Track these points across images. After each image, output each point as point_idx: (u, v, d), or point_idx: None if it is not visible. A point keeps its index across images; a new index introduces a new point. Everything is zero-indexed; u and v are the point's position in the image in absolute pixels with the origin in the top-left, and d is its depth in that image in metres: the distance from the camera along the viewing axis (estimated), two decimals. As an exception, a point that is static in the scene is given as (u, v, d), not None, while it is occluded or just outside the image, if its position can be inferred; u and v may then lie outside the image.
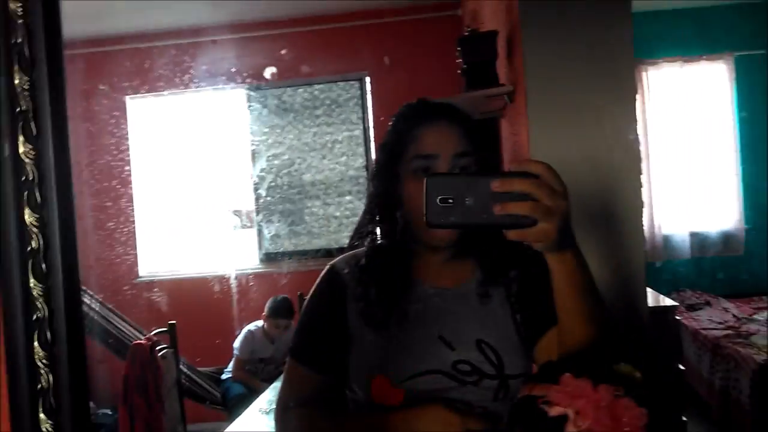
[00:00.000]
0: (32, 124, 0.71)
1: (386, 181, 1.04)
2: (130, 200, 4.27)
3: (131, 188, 4.29)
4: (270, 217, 4.38)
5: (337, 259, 1.12)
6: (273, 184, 4.37)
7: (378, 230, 1.07)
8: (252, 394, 3.20)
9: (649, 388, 0.74)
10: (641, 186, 1.64)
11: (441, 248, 1.03)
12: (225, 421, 3.34)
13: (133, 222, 4.26)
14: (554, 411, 0.68)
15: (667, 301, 2.67)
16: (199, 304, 4.08)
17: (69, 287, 0.74)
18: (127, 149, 4.30)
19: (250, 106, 4.33)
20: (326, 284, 1.09)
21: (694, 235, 4.39)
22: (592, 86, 1.62)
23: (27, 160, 0.71)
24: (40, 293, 0.72)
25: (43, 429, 0.71)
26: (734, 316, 3.84)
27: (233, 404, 3.38)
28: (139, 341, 2.78)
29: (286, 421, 1.08)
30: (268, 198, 4.37)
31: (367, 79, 4.23)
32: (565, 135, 1.63)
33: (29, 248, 0.71)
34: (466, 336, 1.01)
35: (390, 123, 1.08)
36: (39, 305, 0.72)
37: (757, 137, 4.31)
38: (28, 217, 0.72)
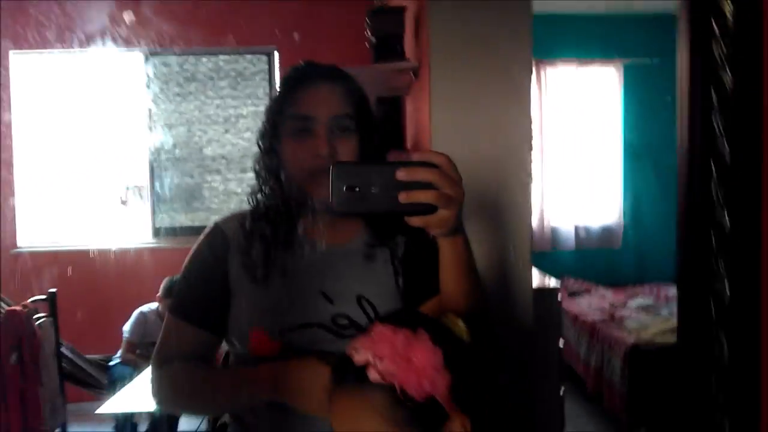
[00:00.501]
0: None
1: (268, 142, 1.06)
2: (9, 167, 3.95)
3: (11, 153, 3.97)
4: (165, 190, 4.20)
5: (223, 217, 1.12)
6: (170, 156, 4.19)
7: (266, 190, 1.07)
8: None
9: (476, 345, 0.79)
10: (531, 174, 1.72)
11: (325, 207, 1.02)
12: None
13: (12, 190, 3.95)
14: (358, 357, 0.71)
15: (552, 283, 2.83)
16: (85, 282, 3.85)
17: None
18: (9, 110, 3.97)
19: (148, 72, 4.12)
20: (208, 240, 1.09)
21: (578, 228, 4.69)
22: (491, 71, 1.68)
23: None
24: None
25: None
26: (610, 303, 4.14)
27: (117, 387, 3.23)
28: (13, 308, 2.58)
29: (162, 374, 1.07)
30: (164, 171, 4.19)
31: (276, 54, 4.15)
32: (464, 117, 1.68)
33: None
34: (347, 292, 1.03)
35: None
36: None
37: (639, 140, 4.66)
38: None
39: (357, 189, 0.78)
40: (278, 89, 1.09)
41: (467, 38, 1.67)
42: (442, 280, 0.92)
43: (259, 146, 1.09)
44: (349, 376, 0.72)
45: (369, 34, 1.96)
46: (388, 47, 1.89)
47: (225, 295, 1.05)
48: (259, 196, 1.08)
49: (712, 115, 1.18)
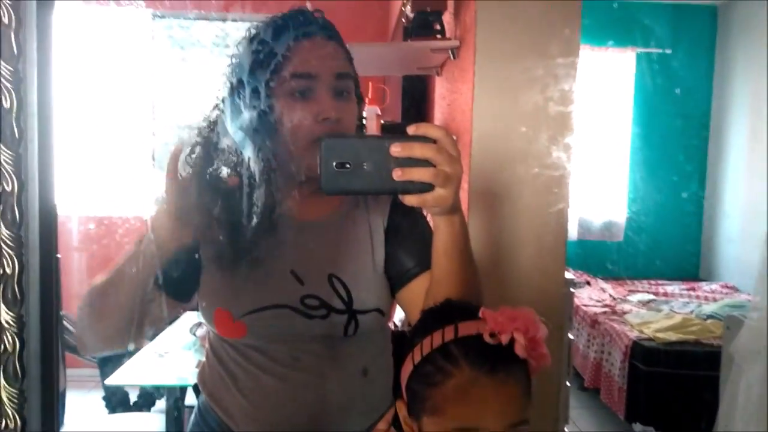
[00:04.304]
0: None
1: (256, 104, 0.91)
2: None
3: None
4: (165, 158, 4.09)
5: None
6: (173, 125, 4.08)
7: (221, 158, 0.95)
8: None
9: None
10: (570, 163, 1.67)
11: (308, 179, 0.93)
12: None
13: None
14: (504, 338, 0.70)
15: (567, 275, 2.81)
16: (93, 248, 3.74)
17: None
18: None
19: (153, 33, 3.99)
20: None
21: (582, 220, 4.67)
22: (538, 54, 1.62)
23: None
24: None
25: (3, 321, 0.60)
26: (611, 296, 4.14)
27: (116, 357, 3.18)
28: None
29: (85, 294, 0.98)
30: (167, 138, 4.08)
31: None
32: (508, 101, 1.62)
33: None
34: (319, 271, 0.97)
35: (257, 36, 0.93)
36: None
37: (648, 133, 4.63)
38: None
39: (348, 165, 0.72)
40: (262, 40, 0.91)
41: (514, 18, 1.61)
42: (435, 260, 0.86)
43: (217, 107, 0.95)
44: (488, 360, 0.70)
45: (406, 9, 1.89)
46: (427, 23, 1.81)
47: (194, 266, 0.97)
48: (211, 166, 0.93)
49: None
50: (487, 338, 0.70)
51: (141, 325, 0.93)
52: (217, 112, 0.98)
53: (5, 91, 0.58)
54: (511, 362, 0.70)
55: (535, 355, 0.71)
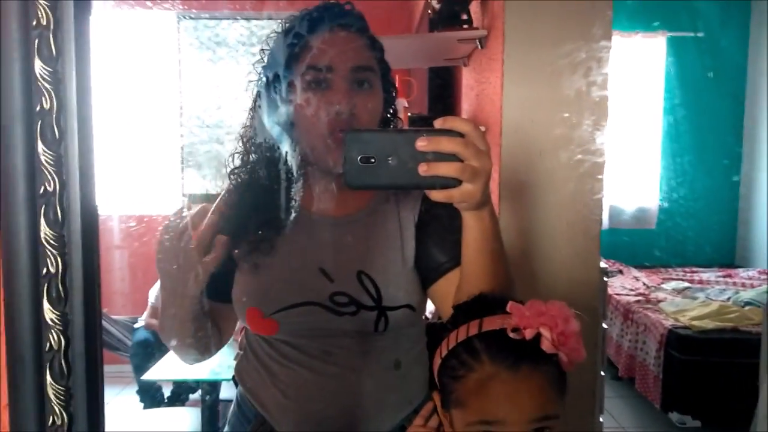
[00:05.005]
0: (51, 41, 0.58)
1: (275, 96, 0.92)
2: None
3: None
4: (196, 158, 4.14)
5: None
6: (200, 122, 4.12)
7: (259, 155, 0.97)
8: (161, 343, 3.07)
9: None
10: (604, 152, 1.64)
11: (334, 173, 0.93)
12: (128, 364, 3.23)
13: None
14: (528, 333, 0.69)
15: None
16: (116, 244, 3.83)
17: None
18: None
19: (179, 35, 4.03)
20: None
21: (612, 208, 4.59)
22: (569, 42, 1.59)
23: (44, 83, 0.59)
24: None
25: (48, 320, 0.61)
26: (644, 284, 4.07)
27: (135, 350, 3.25)
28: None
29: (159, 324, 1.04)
30: (194, 136, 4.13)
31: (310, 20, 4.04)
32: (539, 91, 1.59)
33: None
34: (348, 267, 0.96)
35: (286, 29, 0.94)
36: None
37: (680, 118, 4.53)
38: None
39: (373, 160, 0.70)
40: (297, 33, 0.91)
41: (544, 6, 1.58)
42: (465, 256, 0.84)
43: (255, 104, 0.97)
44: (511, 356, 0.69)
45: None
46: (453, 14, 1.79)
47: (229, 267, 0.98)
48: (250, 164, 0.98)
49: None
50: (510, 333, 0.69)
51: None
52: (251, 113, 0.99)
53: (45, 92, 0.58)
54: (537, 357, 0.69)
55: (566, 350, 0.69)
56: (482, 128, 1.81)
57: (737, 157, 4.65)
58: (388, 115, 1.02)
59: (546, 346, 0.68)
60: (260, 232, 0.96)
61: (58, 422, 0.63)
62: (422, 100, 2.72)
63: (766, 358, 2.23)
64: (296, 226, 0.97)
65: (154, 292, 3.45)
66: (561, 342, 0.68)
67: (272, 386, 1.01)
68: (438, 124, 0.72)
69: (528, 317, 0.69)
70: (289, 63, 0.91)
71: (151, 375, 2.38)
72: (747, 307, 3.44)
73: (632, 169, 4.60)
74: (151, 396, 3.22)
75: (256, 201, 0.98)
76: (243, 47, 4.07)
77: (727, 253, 4.70)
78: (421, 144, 0.70)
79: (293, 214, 0.95)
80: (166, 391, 3.26)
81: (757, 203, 4.53)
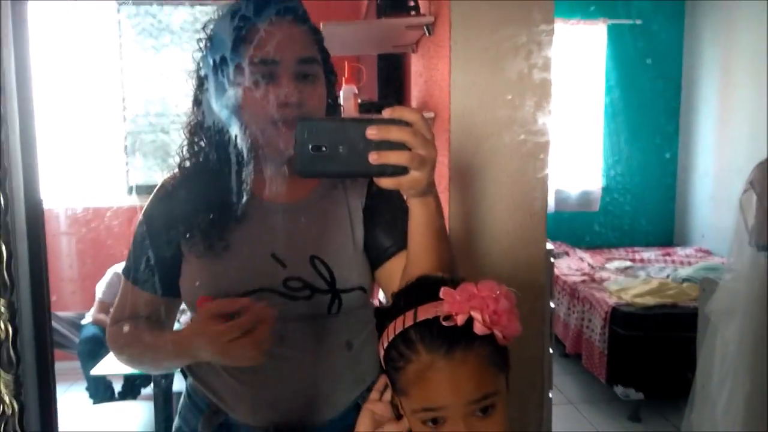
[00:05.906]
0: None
1: (222, 79, 0.92)
2: None
3: None
4: (140, 147, 4.04)
5: (172, 174, 1.03)
6: (143, 112, 4.02)
7: (208, 139, 0.98)
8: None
9: None
10: (549, 134, 1.68)
11: (285, 155, 0.94)
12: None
13: None
14: (459, 318, 0.70)
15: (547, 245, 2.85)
16: (60, 237, 3.71)
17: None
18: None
19: (120, 22, 3.90)
20: (156, 202, 1.02)
21: (558, 192, 4.73)
22: (513, 26, 1.62)
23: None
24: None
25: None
26: (589, 264, 4.21)
27: (84, 346, 3.17)
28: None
29: (112, 332, 1.04)
30: (137, 126, 4.02)
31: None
32: (485, 76, 1.62)
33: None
34: (300, 252, 0.98)
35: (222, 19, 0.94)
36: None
37: (620, 103, 4.68)
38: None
39: (324, 149, 0.72)
40: (243, 16, 0.91)
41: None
42: (411, 240, 0.87)
43: (202, 87, 0.96)
44: (445, 341, 0.70)
45: (379, -15, 1.88)
46: (400, 0, 1.80)
47: (176, 260, 0.99)
48: (198, 149, 0.98)
49: None
50: (442, 321, 0.70)
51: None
52: (197, 96, 0.98)
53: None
54: (471, 340, 0.70)
55: (500, 328, 0.70)
56: (431, 114, 1.84)
57: (674, 141, 4.85)
58: (330, 101, 1.03)
59: (478, 328, 0.69)
60: (211, 217, 0.96)
61: (9, 412, 0.62)
62: (372, 86, 2.73)
63: (704, 332, 2.35)
64: (247, 213, 0.98)
65: (101, 286, 3.36)
66: (494, 321, 0.70)
67: (225, 374, 1.01)
68: (387, 113, 0.74)
69: (458, 302, 0.70)
70: (236, 45, 0.90)
71: (100, 370, 2.33)
72: (685, 284, 3.60)
73: (577, 154, 4.74)
74: (101, 391, 3.15)
75: (207, 187, 0.97)
76: (186, 33, 3.98)
77: (665, 232, 4.91)
78: (371, 132, 0.72)
79: (245, 198, 0.96)
80: (117, 386, 3.19)
81: (693, 185, 4.74)
